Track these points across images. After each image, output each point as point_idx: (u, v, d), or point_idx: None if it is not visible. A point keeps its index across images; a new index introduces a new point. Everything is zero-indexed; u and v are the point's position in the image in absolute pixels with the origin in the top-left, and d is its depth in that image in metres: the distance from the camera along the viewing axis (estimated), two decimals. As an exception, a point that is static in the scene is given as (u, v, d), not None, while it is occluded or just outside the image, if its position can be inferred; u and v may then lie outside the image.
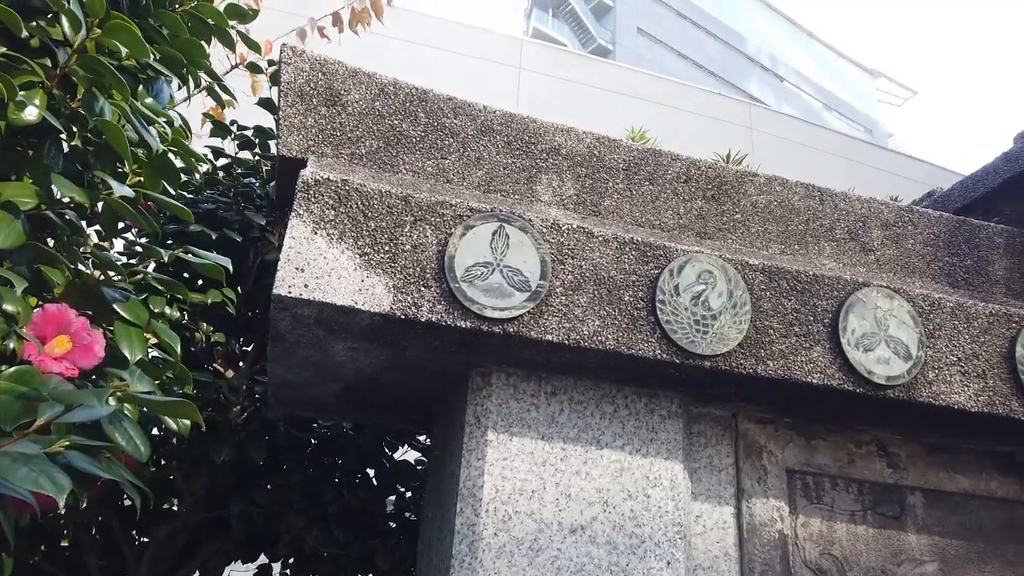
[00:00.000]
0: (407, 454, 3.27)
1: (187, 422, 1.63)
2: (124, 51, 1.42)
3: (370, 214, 1.77)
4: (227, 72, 3.48)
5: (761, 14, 34.65)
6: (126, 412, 1.29)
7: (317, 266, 1.69)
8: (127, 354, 1.41)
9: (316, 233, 1.72)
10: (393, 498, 3.24)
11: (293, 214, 1.72)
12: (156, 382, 1.43)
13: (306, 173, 1.75)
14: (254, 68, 3.10)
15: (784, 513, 2.11)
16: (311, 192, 1.74)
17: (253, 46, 2.66)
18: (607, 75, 17.57)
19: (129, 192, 1.36)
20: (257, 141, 3.06)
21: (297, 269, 1.68)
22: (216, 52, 2.86)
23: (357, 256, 1.73)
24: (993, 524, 2.29)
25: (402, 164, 2.18)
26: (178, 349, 1.54)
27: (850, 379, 1.96)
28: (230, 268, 1.64)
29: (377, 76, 2.25)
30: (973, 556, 2.23)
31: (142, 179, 1.70)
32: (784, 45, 34.54)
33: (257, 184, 3.07)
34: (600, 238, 1.92)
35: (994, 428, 2.17)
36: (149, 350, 1.91)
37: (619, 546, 1.89)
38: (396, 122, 2.21)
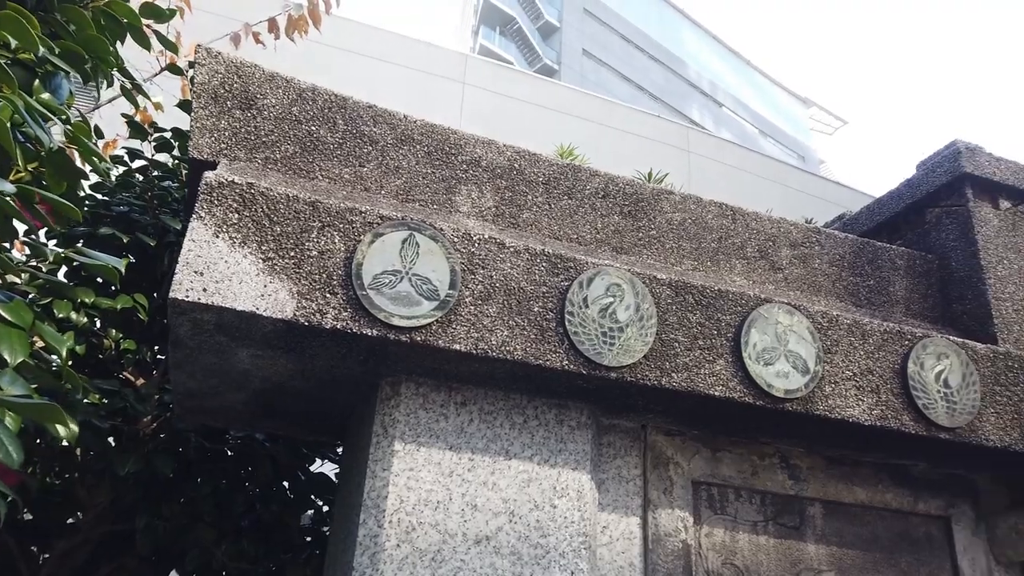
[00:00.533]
0: (324, 466, 3.22)
1: (74, 428, 1.57)
2: (14, 43, 1.36)
3: (276, 219, 1.74)
4: (156, 74, 3.40)
5: (702, 41, 35.70)
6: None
7: (217, 270, 1.66)
8: (6, 357, 1.35)
9: (218, 236, 1.68)
10: (311, 512, 3.18)
11: (194, 216, 1.68)
12: (34, 386, 1.37)
13: (210, 175, 1.72)
14: (174, 70, 3.03)
15: (689, 523, 2.15)
16: (214, 195, 1.71)
17: (169, 46, 2.61)
18: (551, 94, 17.75)
19: (10, 188, 1.31)
20: (176, 144, 2.98)
21: (196, 273, 1.64)
22: (148, 55, 2.80)
23: (261, 261, 1.70)
24: (888, 534, 2.38)
25: (319, 170, 2.16)
26: (64, 352, 1.48)
27: (751, 392, 2.02)
28: (121, 270, 1.58)
29: (295, 81, 2.23)
30: (868, 566, 2.32)
31: (38, 176, 1.64)
32: (723, 72, 35.64)
33: (175, 187, 3.00)
34: (512, 249, 1.94)
35: (888, 441, 2.27)
36: (50, 355, 1.84)
37: (523, 556, 1.89)
38: (314, 128, 2.19)
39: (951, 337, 2.27)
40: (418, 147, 2.31)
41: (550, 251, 1.97)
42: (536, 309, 1.91)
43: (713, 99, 34.83)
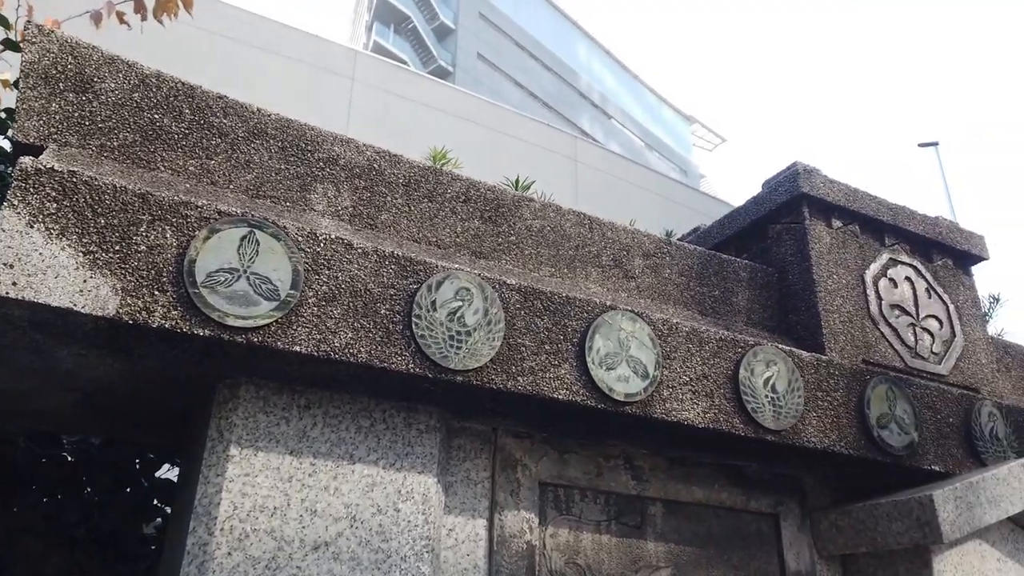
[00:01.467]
0: (173, 472, 3.06)
1: None
2: None
3: (100, 210, 1.64)
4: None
5: (594, 54, 36.68)
6: None
7: (30, 263, 1.54)
8: None
9: (32, 227, 1.57)
10: (160, 520, 3.01)
11: (6, 204, 1.56)
12: None
13: (25, 161, 1.60)
14: (12, 46, 2.80)
15: (534, 524, 2.20)
16: (30, 182, 1.59)
17: (1, 21, 2.41)
18: (442, 96, 17.69)
19: None
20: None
21: (5, 265, 1.52)
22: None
23: (81, 255, 1.60)
24: (722, 531, 2.52)
25: (161, 161, 2.06)
26: None
27: (593, 396, 2.09)
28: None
29: (138, 66, 2.11)
30: (703, 561, 2.45)
31: None
32: (613, 85, 36.76)
33: (8, 171, 2.77)
34: (359, 250, 1.91)
35: (723, 443, 2.40)
36: None
37: (363, 562, 1.87)
38: (157, 116, 2.09)
39: (779, 345, 2.44)
40: (272, 142, 2.25)
41: (400, 253, 1.96)
42: (383, 311, 1.89)
43: (603, 111, 35.85)
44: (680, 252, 2.93)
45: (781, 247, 3.10)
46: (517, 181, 3.60)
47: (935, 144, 19.47)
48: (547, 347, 2.08)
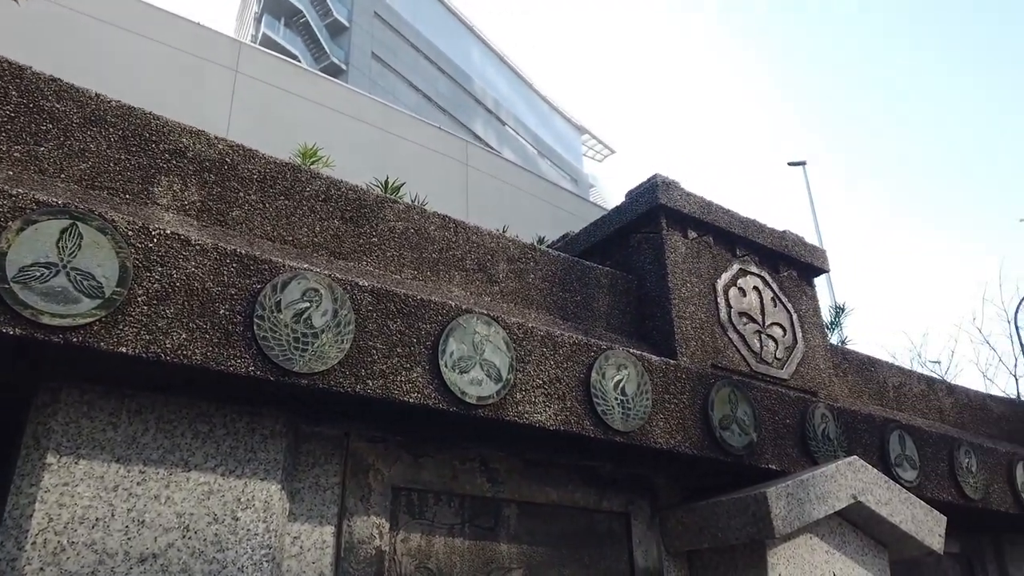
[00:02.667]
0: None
1: None
2: None
3: None
4: None
5: (489, 60, 36.92)
6: None
7: None
8: None
9: None
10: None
11: None
12: None
13: None
14: None
15: (385, 530, 2.17)
16: None
17: None
18: (333, 94, 17.27)
19: None
20: None
21: None
22: None
23: None
24: (575, 531, 2.58)
25: (-21, 145, 1.89)
26: None
27: (445, 399, 2.08)
28: None
29: (-46, 40, 1.93)
30: (556, 561, 2.49)
31: None
32: (507, 92, 37.12)
33: None
34: (198, 247, 1.83)
35: (577, 445, 2.46)
36: None
37: (196, 574, 1.78)
38: (-25, 97, 1.92)
39: (630, 350, 2.53)
40: (112, 130, 2.12)
41: (243, 251, 1.89)
42: (222, 312, 1.82)
43: (497, 117, 36.11)
44: (544, 258, 2.98)
45: (640, 255, 3.22)
46: (386, 183, 3.55)
47: (803, 163, 20.83)
48: (399, 350, 2.06)
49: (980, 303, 26.66)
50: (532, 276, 2.91)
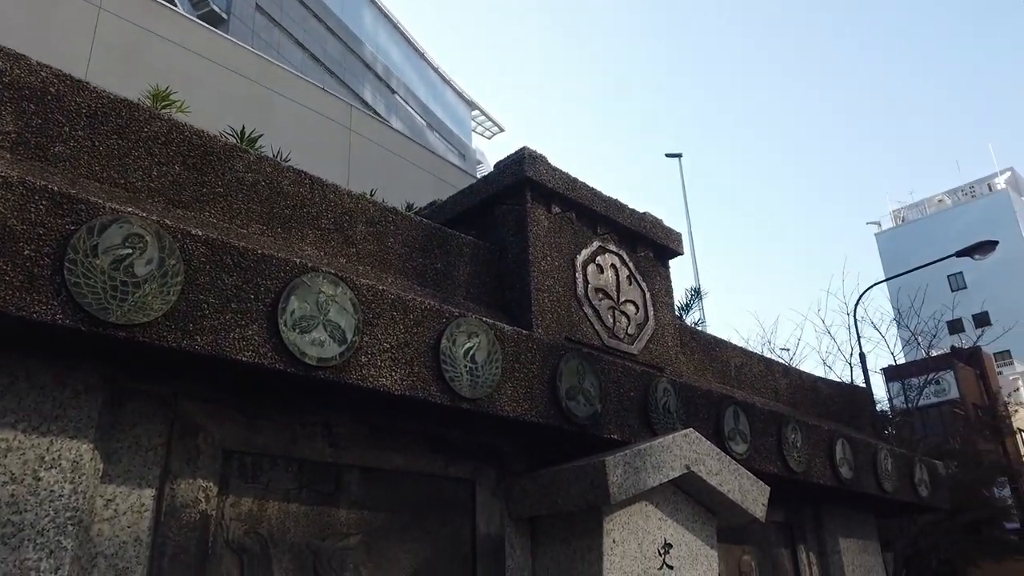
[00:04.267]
0: None
1: None
2: None
3: None
4: None
5: (381, 24, 35.93)
6: None
7: None
8: None
9: None
10: None
11: None
12: None
13: None
14: None
15: (212, 494, 2.07)
16: None
17: None
18: (209, 43, 16.24)
19: None
20: None
21: None
22: None
23: None
24: (420, 498, 2.57)
25: None
26: None
27: (283, 359, 2.00)
28: None
29: None
30: (398, 528, 2.48)
31: None
32: (399, 60, 36.31)
33: None
34: (0, 179, 1.65)
35: (425, 411, 2.44)
36: None
37: (-15, 537, 1.63)
38: None
39: (483, 318, 2.53)
40: (-94, 43, 1.86)
41: (54, 188, 1.72)
42: (27, 252, 1.65)
43: (387, 84, 35.28)
44: (406, 223, 2.93)
45: (504, 227, 3.23)
46: (242, 132, 3.36)
47: (679, 156, 21.71)
48: (234, 306, 1.95)
49: (825, 296, 28.94)
50: (392, 240, 2.85)
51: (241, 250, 2.00)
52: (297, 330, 2.03)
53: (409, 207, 4.04)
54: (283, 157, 3.55)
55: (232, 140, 3.12)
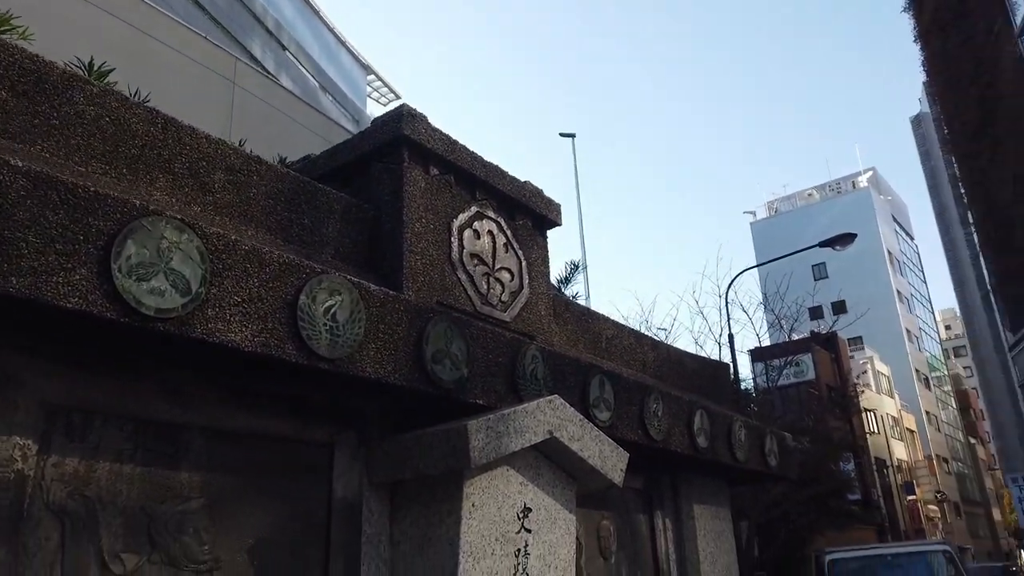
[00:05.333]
0: None
1: None
2: None
3: None
4: None
5: (274, -24, 34.16)
6: None
7: None
8: None
9: None
10: None
11: None
12: None
13: None
14: None
15: (31, 452, 1.89)
16: None
17: None
18: (76, -25, 14.85)
19: None
20: None
21: None
22: None
23: None
24: (272, 461, 2.46)
25: None
26: None
27: (115, 308, 1.84)
28: None
29: None
30: (246, 491, 2.36)
31: None
32: (291, 15, 34.70)
33: None
34: None
35: (282, 371, 2.33)
36: None
37: None
38: None
39: (347, 276, 2.43)
40: None
41: None
42: None
43: (278, 41, 33.67)
44: (271, 174, 2.77)
45: (380, 186, 3.12)
46: (90, 64, 3.07)
47: (573, 135, 22.02)
48: (59, 246, 1.77)
49: (700, 278, 30.49)
50: (254, 191, 2.70)
51: (70, 186, 1.81)
52: (133, 277, 1.87)
53: (282, 160, 3.84)
54: (141, 98, 3.28)
55: (77, 71, 2.85)
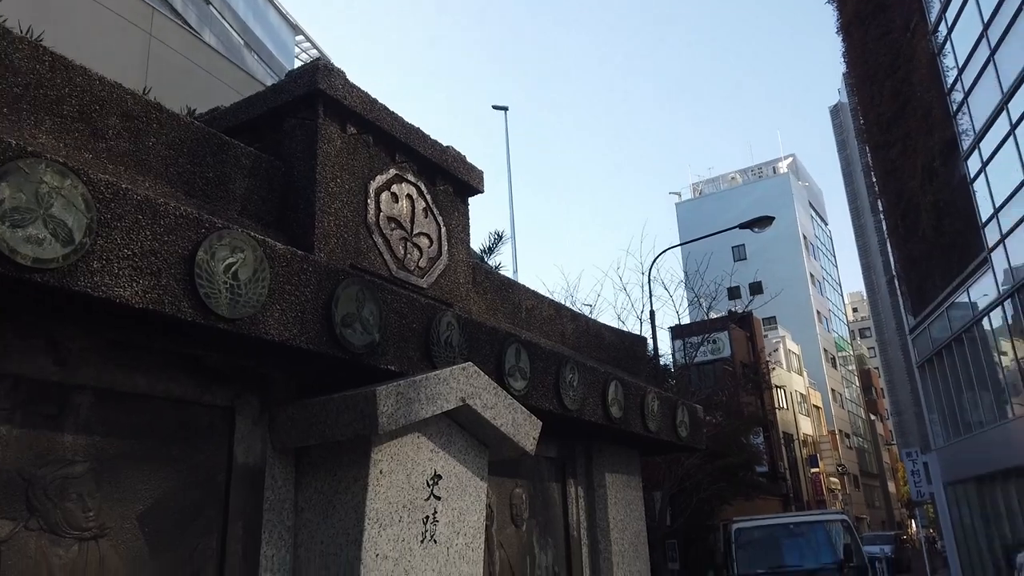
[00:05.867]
0: None
1: None
2: None
3: None
4: None
5: (197, -76, 32.38)
6: None
7: None
8: None
9: None
10: None
11: None
12: None
13: None
14: None
15: None
16: None
17: None
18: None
19: None
20: None
21: None
22: None
23: None
24: (167, 424, 2.35)
25: None
26: None
27: (-14, 255, 1.69)
28: None
29: None
30: (138, 456, 2.24)
31: None
32: (216, -33, 33.03)
33: None
34: None
35: (179, 329, 2.21)
36: None
37: None
38: None
39: (252, 233, 2.32)
40: None
41: None
42: None
43: (200, -8, 32.05)
44: (173, 123, 2.61)
45: (293, 142, 2.99)
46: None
47: (506, 108, 21.88)
48: (-81, 185, 1.61)
49: (624, 256, 31.00)
50: (153, 140, 2.54)
51: (-68, 119, 1.65)
52: (7, 223, 1.72)
53: (191, 112, 3.64)
54: (31, 35, 3.02)
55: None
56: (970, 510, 24.39)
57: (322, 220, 2.85)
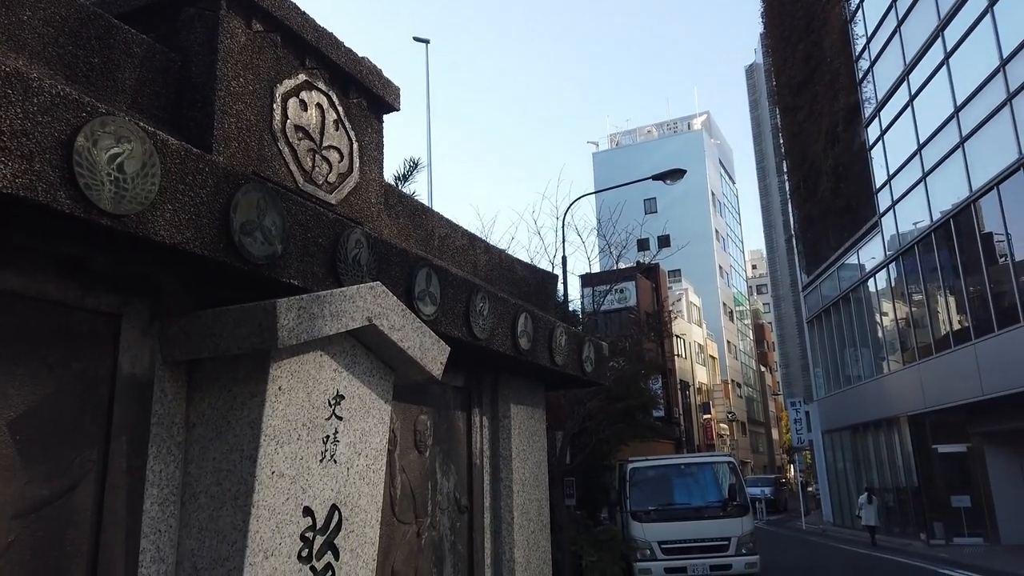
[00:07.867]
0: None
1: None
2: None
3: None
4: None
5: None
6: None
7: None
8: None
9: None
10: None
11: None
12: None
13: None
14: None
15: None
16: None
17: None
18: None
19: None
20: None
21: None
22: None
23: None
24: (41, 328, 2.15)
25: None
26: None
27: None
28: None
29: None
30: (8, 359, 2.05)
31: None
32: None
33: None
34: None
35: (58, 227, 2.01)
36: None
37: None
38: None
39: (141, 124, 2.12)
40: None
41: None
42: None
43: None
44: (52, -3, 2.33)
45: (191, 34, 2.75)
46: None
47: (427, 41, 21.21)
48: None
49: (540, 200, 31.13)
50: (29, 14, 2.26)
51: None
52: None
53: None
54: None
55: None
56: (843, 456, 26.43)
57: (222, 121, 2.65)
